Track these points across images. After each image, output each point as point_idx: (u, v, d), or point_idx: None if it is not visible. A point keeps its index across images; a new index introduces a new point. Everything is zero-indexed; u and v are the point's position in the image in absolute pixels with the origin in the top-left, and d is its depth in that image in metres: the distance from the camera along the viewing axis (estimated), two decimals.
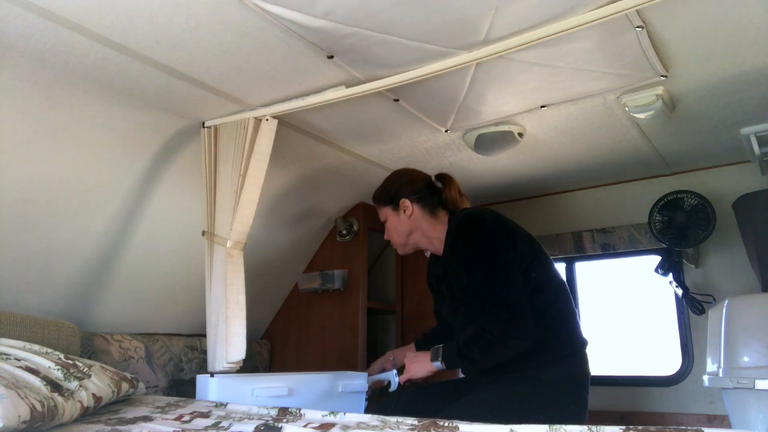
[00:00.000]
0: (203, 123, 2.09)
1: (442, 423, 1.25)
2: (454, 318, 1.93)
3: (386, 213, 1.97)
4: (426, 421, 1.28)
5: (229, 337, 1.88)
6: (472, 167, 2.77)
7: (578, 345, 1.83)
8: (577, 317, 1.85)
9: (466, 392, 1.81)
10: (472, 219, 1.81)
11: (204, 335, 2.24)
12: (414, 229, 1.92)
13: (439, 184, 1.97)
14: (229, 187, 1.97)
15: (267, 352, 3.13)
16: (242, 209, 1.94)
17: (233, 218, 1.94)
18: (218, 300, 1.94)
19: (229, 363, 1.89)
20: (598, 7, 1.43)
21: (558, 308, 1.79)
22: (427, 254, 2.28)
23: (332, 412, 1.37)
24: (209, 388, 1.82)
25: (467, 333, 1.71)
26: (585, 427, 1.07)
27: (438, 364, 1.78)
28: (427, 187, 1.96)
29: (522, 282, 1.70)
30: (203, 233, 2.04)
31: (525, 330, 1.64)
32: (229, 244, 1.94)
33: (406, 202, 1.93)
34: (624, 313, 3.24)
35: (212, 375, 1.86)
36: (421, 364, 1.82)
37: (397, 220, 1.94)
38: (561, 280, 1.86)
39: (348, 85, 1.84)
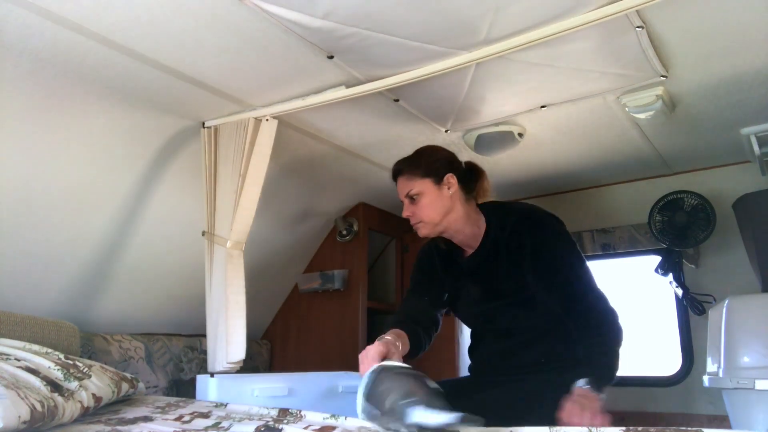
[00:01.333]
0: (203, 123, 2.09)
1: None
2: (485, 313, 1.83)
3: (423, 186, 1.75)
4: None
5: (229, 337, 1.88)
6: None
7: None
8: None
9: (473, 392, 1.77)
10: (539, 216, 1.77)
11: (204, 335, 2.24)
12: (450, 209, 1.76)
13: (470, 176, 1.87)
14: (229, 187, 1.97)
15: (267, 352, 3.14)
16: (242, 209, 1.94)
17: (233, 218, 1.94)
18: (218, 300, 1.94)
19: (230, 363, 1.89)
20: (598, 7, 1.43)
21: None
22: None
23: (333, 415, 1.37)
24: (209, 388, 1.82)
25: (593, 342, 1.61)
26: (585, 428, 1.07)
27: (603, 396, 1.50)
28: (466, 170, 1.85)
29: None
30: (203, 233, 2.04)
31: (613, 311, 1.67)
32: (229, 244, 1.94)
33: (452, 178, 1.76)
34: (624, 314, 3.23)
35: (212, 375, 1.86)
36: (592, 404, 1.43)
37: (438, 195, 1.74)
38: None
39: (348, 86, 1.84)
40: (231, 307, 1.90)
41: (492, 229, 1.76)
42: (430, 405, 1.08)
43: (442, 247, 1.89)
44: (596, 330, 1.62)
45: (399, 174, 1.80)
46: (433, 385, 1.19)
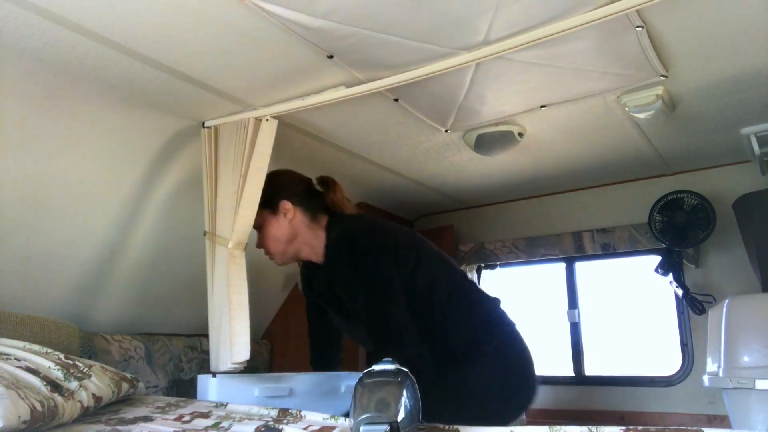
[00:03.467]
0: (203, 123, 2.09)
1: (443, 427, 1.25)
2: (350, 331, 1.87)
3: (261, 217, 1.79)
4: (427, 426, 1.28)
5: (233, 337, 1.88)
6: (472, 167, 2.77)
7: (503, 329, 1.69)
8: (489, 303, 1.72)
9: None
10: (346, 239, 1.68)
11: (204, 335, 2.24)
12: (295, 235, 1.77)
13: (320, 188, 1.84)
14: (230, 187, 1.97)
15: (267, 352, 3.13)
16: (243, 210, 1.93)
17: (234, 219, 1.93)
18: (221, 300, 1.94)
19: (234, 363, 1.89)
20: (598, 7, 1.43)
21: (462, 300, 1.70)
22: None
23: (333, 416, 1.37)
24: (210, 388, 1.81)
25: None
26: (585, 428, 1.07)
27: None
28: (307, 190, 1.83)
29: (401, 291, 1.60)
30: (204, 233, 2.04)
31: (418, 346, 1.55)
32: (230, 244, 1.93)
33: (287, 205, 1.76)
34: (624, 314, 3.24)
35: (214, 375, 1.85)
36: None
37: (276, 225, 1.76)
38: (456, 272, 1.76)
39: (348, 85, 1.84)
40: (234, 308, 1.90)
41: (328, 247, 1.74)
42: (372, 421, 1.09)
43: (304, 269, 1.95)
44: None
45: None
46: (408, 394, 1.17)
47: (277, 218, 1.77)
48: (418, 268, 1.66)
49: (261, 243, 1.82)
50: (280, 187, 1.81)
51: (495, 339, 1.65)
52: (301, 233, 1.77)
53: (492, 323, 1.69)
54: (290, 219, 1.76)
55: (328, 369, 2.04)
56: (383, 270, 1.61)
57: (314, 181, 1.87)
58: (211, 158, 2.05)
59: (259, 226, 1.81)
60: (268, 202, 1.79)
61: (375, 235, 1.68)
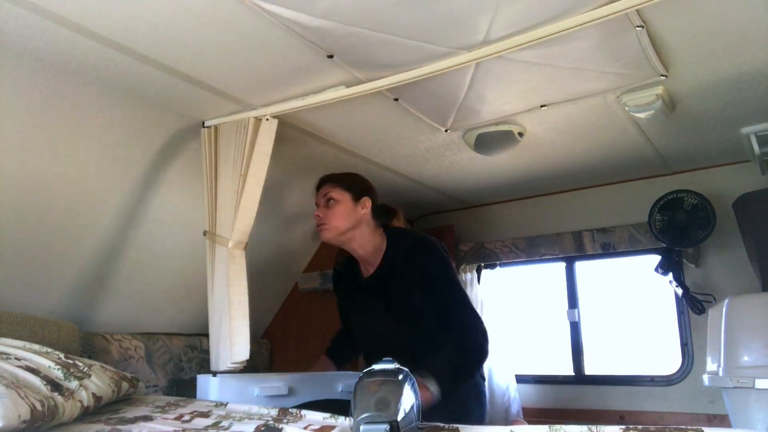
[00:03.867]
0: (203, 123, 2.09)
1: (443, 426, 1.25)
2: (372, 324, 2.03)
3: (343, 196, 1.98)
4: (428, 425, 1.28)
5: (233, 337, 1.88)
6: (472, 167, 2.77)
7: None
8: None
9: None
10: (431, 243, 1.95)
11: (204, 335, 2.24)
12: (357, 226, 1.97)
13: (385, 213, 2.10)
14: (230, 187, 1.97)
15: (267, 352, 3.14)
16: (243, 209, 1.94)
17: (234, 218, 1.94)
18: (221, 300, 1.94)
19: (234, 363, 1.89)
20: (598, 7, 1.43)
21: None
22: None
23: (333, 415, 1.37)
24: (210, 387, 1.82)
25: (448, 352, 1.79)
26: (585, 427, 1.07)
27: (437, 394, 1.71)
28: (382, 205, 2.09)
29: None
30: (204, 233, 2.04)
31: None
32: (230, 244, 1.94)
33: (368, 202, 2.00)
34: (624, 313, 3.24)
35: (215, 374, 1.86)
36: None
37: (351, 209, 1.97)
38: None
39: (348, 85, 1.84)
40: (234, 308, 1.90)
41: (390, 250, 1.97)
42: (372, 420, 1.09)
43: (340, 269, 2.17)
44: (463, 348, 1.81)
45: (324, 182, 2.03)
46: (407, 393, 1.18)
47: (354, 205, 1.98)
48: None
49: (325, 213, 1.97)
50: (370, 189, 2.06)
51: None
52: (361, 228, 1.98)
53: None
54: (362, 213, 1.98)
55: (341, 361, 2.28)
56: (456, 276, 1.97)
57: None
58: (211, 158, 2.05)
59: (332, 199, 1.98)
60: (356, 191, 2.00)
61: (444, 249, 1.97)
